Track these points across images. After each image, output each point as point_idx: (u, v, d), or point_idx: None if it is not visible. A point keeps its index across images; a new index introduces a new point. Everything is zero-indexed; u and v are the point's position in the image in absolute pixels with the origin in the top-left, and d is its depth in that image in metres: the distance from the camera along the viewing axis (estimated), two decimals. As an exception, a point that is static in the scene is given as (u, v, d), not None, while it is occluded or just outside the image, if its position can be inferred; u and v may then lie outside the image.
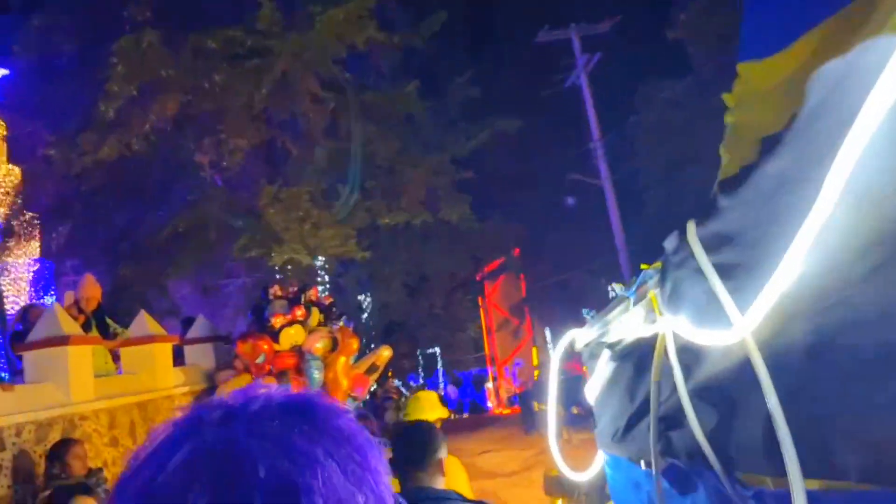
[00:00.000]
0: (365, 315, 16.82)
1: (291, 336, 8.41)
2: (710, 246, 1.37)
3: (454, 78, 13.34)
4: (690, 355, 1.50)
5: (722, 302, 1.26)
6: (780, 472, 1.12)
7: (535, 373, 29.88)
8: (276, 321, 8.29)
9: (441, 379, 36.36)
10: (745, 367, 1.22)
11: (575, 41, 18.70)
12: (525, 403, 22.25)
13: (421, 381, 35.96)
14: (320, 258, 11.50)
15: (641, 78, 18.57)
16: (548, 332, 30.43)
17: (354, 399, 9.01)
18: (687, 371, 1.53)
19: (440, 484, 2.49)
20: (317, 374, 8.59)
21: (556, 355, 3.29)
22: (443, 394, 34.84)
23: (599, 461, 2.94)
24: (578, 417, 19.89)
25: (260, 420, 0.59)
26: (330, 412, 0.62)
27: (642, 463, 2.12)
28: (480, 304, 33.90)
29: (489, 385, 32.78)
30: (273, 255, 9.76)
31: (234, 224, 10.14)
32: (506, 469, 13.26)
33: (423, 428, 2.76)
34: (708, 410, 1.44)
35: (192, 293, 11.91)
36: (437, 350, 35.45)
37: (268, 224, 9.60)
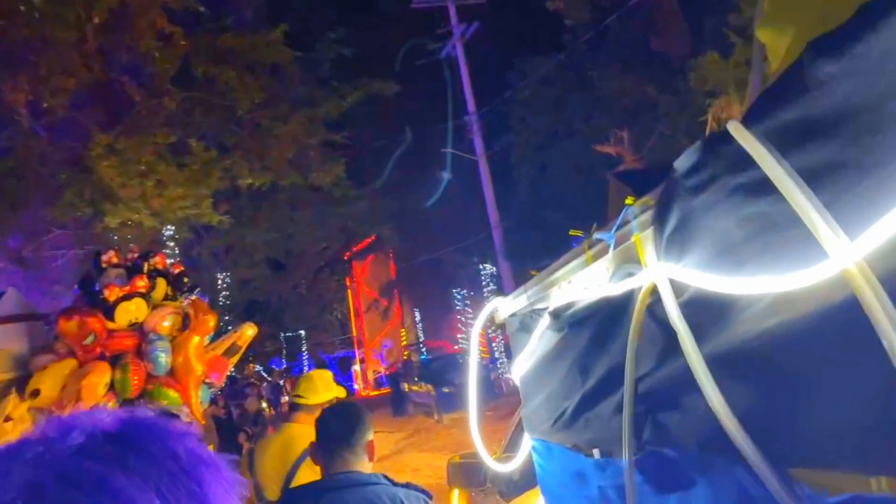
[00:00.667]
0: (224, 296, 15.19)
1: (130, 311, 6.83)
2: (789, 141, 0.92)
3: (326, 34, 12.02)
4: (703, 312, 1.18)
5: (812, 221, 0.87)
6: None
7: (405, 354, 29.33)
8: (111, 293, 6.71)
9: (305, 362, 34.91)
10: (827, 321, 0.88)
11: (452, 9, 17.88)
12: (395, 385, 21.58)
13: (284, 364, 34.31)
14: (170, 228, 9.88)
15: (517, 52, 18.15)
16: (417, 313, 29.86)
17: (210, 385, 7.64)
18: (700, 333, 1.18)
19: (368, 468, 2.29)
20: (163, 358, 7.07)
21: (476, 328, 2.87)
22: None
23: (526, 449, 2.61)
24: (449, 397, 19.43)
25: (78, 459, 0.51)
26: (166, 438, 0.55)
27: (595, 452, 1.79)
28: (348, 284, 32.77)
29: (356, 367, 31.76)
30: (106, 215, 8.09)
31: (57, 178, 8.33)
32: (377, 453, 12.27)
33: (352, 407, 2.50)
34: (738, 385, 1.10)
35: (7, 267, 9.83)
36: (302, 332, 33.96)
37: (100, 179, 7.92)
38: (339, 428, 2.29)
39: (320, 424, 2.35)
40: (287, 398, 31.21)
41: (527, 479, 3.88)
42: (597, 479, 1.80)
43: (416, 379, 20.36)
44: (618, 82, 13.64)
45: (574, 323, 1.85)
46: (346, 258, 31.16)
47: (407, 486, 2.26)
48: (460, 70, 18.34)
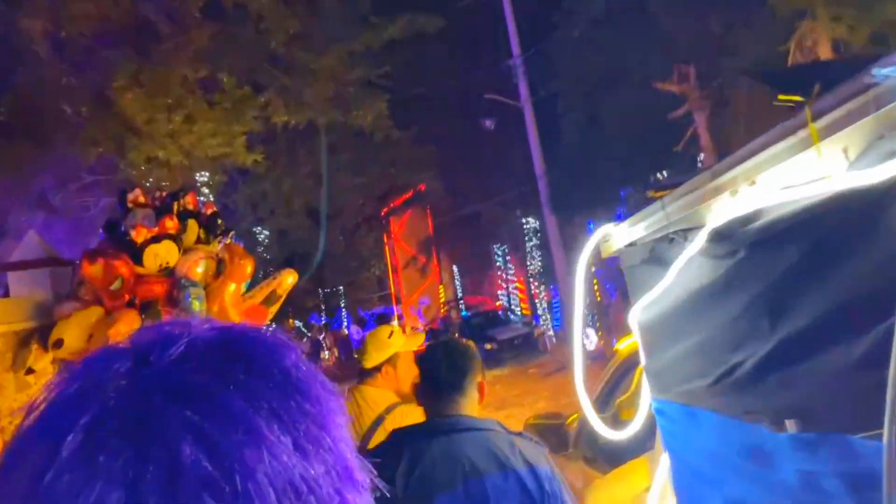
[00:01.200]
0: (262, 248, 14.58)
1: (160, 255, 6.18)
2: None
3: (363, -34, 11.09)
4: None
5: None
6: None
7: (442, 310, 28.80)
8: (138, 234, 6.07)
9: (344, 318, 34.69)
10: None
11: (495, -56, 16.64)
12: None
13: (324, 320, 34.13)
14: (203, 174, 9.19)
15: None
16: (456, 270, 29.17)
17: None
18: None
19: (478, 412, 1.98)
20: (197, 305, 6.47)
21: (581, 263, 2.40)
22: (346, 333, 33.22)
23: (643, 413, 2.26)
24: (491, 353, 18.80)
25: (182, 372, 0.44)
26: (273, 351, 0.49)
27: (790, 424, 1.33)
28: (385, 240, 32.16)
29: (394, 323, 31.30)
30: (130, 151, 7.40)
31: (80, 114, 7.65)
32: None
33: (459, 345, 2.11)
34: None
35: (37, 218, 9.28)
36: (341, 288, 33.65)
37: (124, 112, 7.23)
38: (449, 369, 1.97)
39: (425, 364, 2.03)
40: (326, 353, 31.04)
41: (627, 448, 3.21)
42: (794, 461, 1.37)
43: (456, 335, 19.71)
44: (680, 18, 12.41)
45: (760, 242, 1.41)
46: (383, 213, 30.49)
47: (521, 435, 1.96)
48: (504, 10, 17.16)
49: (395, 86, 10.72)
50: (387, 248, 32.02)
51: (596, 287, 17.47)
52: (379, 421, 2.81)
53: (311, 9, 8.88)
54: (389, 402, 2.91)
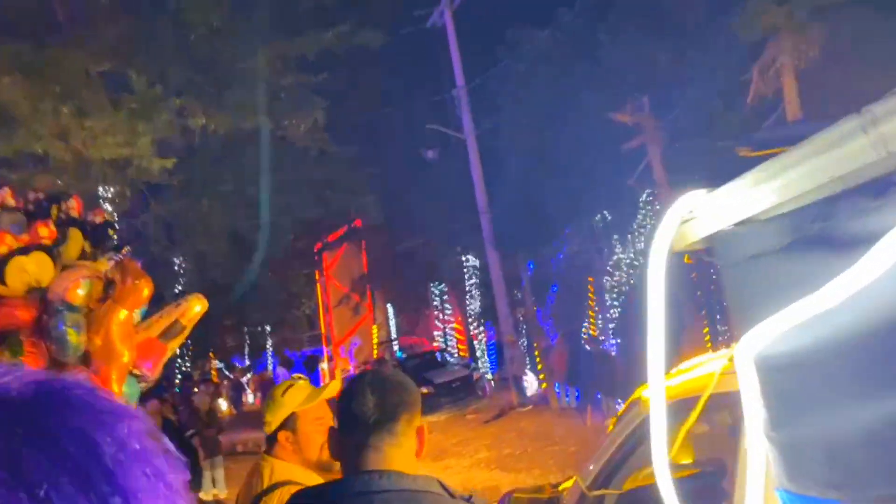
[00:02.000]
0: (175, 276, 13.00)
1: (29, 271, 4.82)
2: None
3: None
4: None
5: None
6: None
7: (375, 351, 27.35)
8: (1, 243, 4.72)
9: (270, 359, 32.72)
10: None
11: (441, -28, 16.08)
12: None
13: (247, 362, 32.04)
14: (108, 189, 7.79)
15: (510, 22, 16.37)
16: (390, 309, 27.89)
17: (140, 378, 5.69)
18: None
19: (415, 468, 1.43)
20: (73, 336, 5.13)
21: (657, 258, 1.42)
22: (271, 376, 31.22)
23: None
24: (428, 398, 17.56)
25: None
26: (72, 407, 0.41)
27: None
28: (317, 277, 30.65)
29: (324, 366, 29.65)
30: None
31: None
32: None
33: (394, 376, 1.54)
34: None
35: None
36: (268, 328, 31.78)
37: (-1, 95, 5.88)
38: (377, 406, 1.40)
39: (344, 401, 1.46)
40: (250, 397, 28.91)
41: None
42: None
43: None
44: (629, 49, 11.97)
45: None
46: (316, 249, 29.07)
47: (469, 499, 1.41)
48: (448, 40, 16.52)
49: (334, 102, 9.66)
50: (318, 285, 30.50)
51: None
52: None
53: (239, 2, 7.79)
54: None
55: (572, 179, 14.35)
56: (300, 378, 2.76)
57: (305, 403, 2.36)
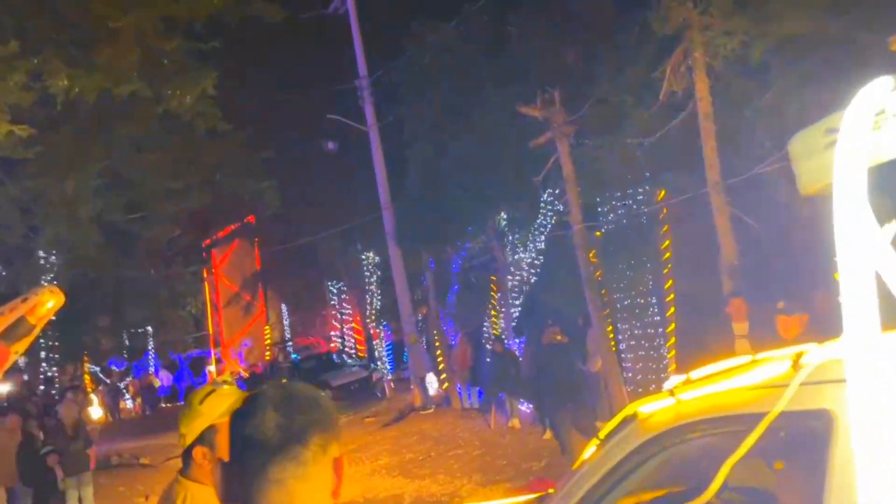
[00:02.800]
0: (44, 273, 11.42)
1: None
2: None
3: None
4: None
5: None
6: None
7: (267, 354, 25.93)
8: None
9: (151, 363, 30.36)
10: None
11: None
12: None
13: (126, 365, 29.57)
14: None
15: (416, 14, 15.77)
16: (284, 308, 26.58)
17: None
18: None
19: None
20: None
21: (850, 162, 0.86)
22: (153, 380, 28.95)
23: None
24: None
25: None
26: None
27: None
28: (206, 276, 28.76)
29: (211, 368, 27.83)
30: None
31: None
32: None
33: (305, 389, 1.19)
34: None
35: None
36: (149, 329, 29.47)
37: None
38: (280, 429, 1.09)
39: (238, 422, 1.13)
40: (129, 403, 26.62)
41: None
42: None
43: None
44: (541, 40, 11.68)
45: None
46: (205, 245, 27.23)
47: None
48: (351, 27, 15.70)
49: (226, 79, 8.58)
50: (207, 283, 28.63)
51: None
52: None
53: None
54: None
55: (477, 176, 13.93)
56: (224, 382, 2.55)
57: (228, 414, 1.74)
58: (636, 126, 9.56)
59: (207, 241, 27.45)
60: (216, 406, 1.98)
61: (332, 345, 21.36)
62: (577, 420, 9.95)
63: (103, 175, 8.46)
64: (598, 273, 11.28)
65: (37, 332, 4.32)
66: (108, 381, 26.79)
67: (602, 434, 2.05)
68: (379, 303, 18.47)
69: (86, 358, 26.14)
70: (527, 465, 9.85)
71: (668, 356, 10.65)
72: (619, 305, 11.64)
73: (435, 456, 11.48)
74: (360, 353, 20.28)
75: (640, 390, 11.07)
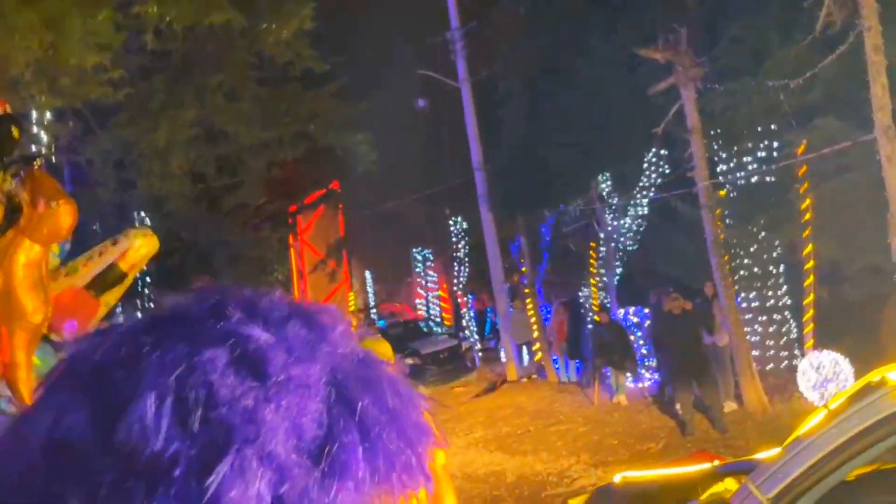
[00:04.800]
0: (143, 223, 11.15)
1: None
2: None
3: None
4: None
5: None
6: None
7: (353, 320, 25.79)
8: None
9: (241, 327, 30.95)
10: None
11: None
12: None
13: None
14: (34, 99, 6.00)
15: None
16: (368, 275, 26.28)
17: (59, 347, 4.01)
18: None
19: None
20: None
21: None
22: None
23: None
24: (413, 370, 16.09)
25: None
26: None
27: None
28: (291, 242, 28.82)
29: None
30: None
31: None
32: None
33: None
34: None
35: None
36: (238, 293, 29.92)
37: None
38: None
39: None
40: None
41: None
42: None
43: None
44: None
45: None
46: (291, 211, 27.21)
47: None
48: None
49: (315, 28, 7.80)
50: (292, 250, 28.66)
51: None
52: None
53: None
54: None
55: (579, 134, 12.83)
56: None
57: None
58: (780, 67, 8.24)
59: (293, 208, 27.42)
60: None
61: (419, 312, 20.86)
62: (701, 399, 8.91)
63: (195, 125, 7.98)
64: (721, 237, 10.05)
65: (129, 281, 3.53)
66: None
67: (832, 402, 1.97)
68: (467, 270, 17.72)
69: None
70: (642, 446, 8.89)
71: (805, 331, 9.37)
72: (743, 273, 10.40)
73: (534, 431, 10.67)
74: (446, 322, 19.67)
75: (762, 368, 9.87)
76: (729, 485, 2.50)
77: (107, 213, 9.63)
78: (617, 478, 3.30)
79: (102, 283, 4.13)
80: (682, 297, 8.65)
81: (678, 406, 8.82)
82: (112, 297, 4.13)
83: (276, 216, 26.98)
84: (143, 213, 10.17)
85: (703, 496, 2.54)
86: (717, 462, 2.90)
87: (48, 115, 6.96)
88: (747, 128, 9.16)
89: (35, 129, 7.04)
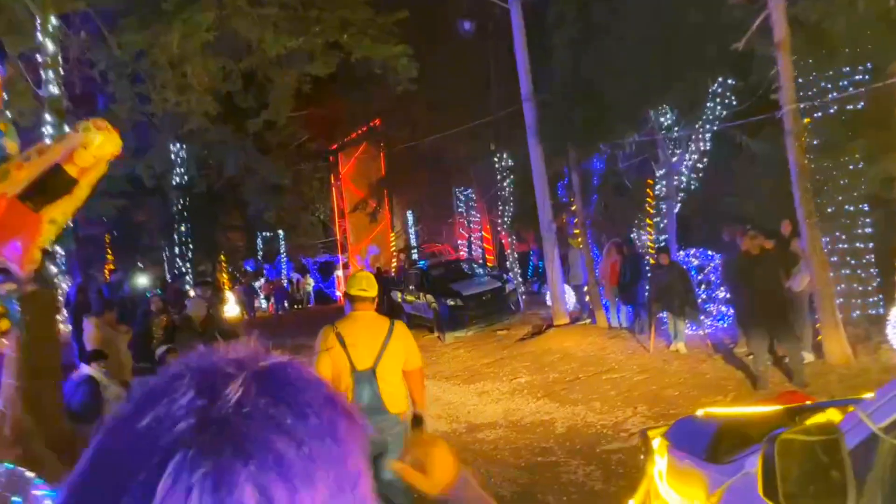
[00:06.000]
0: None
1: None
2: None
3: None
4: None
5: None
6: None
7: (394, 260, 25.09)
8: None
9: (284, 265, 30.66)
10: None
11: None
12: (384, 294, 17.41)
13: (259, 266, 30.01)
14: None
15: None
16: (410, 216, 25.42)
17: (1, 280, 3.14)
18: None
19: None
20: None
21: None
22: (285, 282, 29.15)
23: None
24: (455, 312, 15.28)
25: (244, 421, 0.45)
26: (310, 390, 0.50)
27: None
28: (332, 182, 28.09)
29: (339, 273, 27.53)
30: None
31: None
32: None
33: None
34: None
35: None
36: (280, 233, 29.57)
37: None
38: None
39: None
40: (263, 303, 26.81)
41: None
42: None
43: (412, 288, 16.08)
44: None
45: None
46: (332, 149, 26.38)
47: None
48: None
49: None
50: (333, 189, 27.98)
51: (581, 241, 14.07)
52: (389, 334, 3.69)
53: None
54: None
55: (637, 60, 11.40)
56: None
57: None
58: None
59: (334, 146, 26.54)
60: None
61: (461, 253, 19.95)
62: (776, 347, 7.83)
63: (213, 30, 6.99)
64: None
65: (83, 192, 2.47)
66: (242, 280, 27.15)
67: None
68: (511, 210, 16.62)
69: (223, 257, 26.51)
70: (707, 398, 7.88)
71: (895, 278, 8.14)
72: (827, 211, 9.11)
73: (584, 379, 9.76)
74: (489, 263, 18.73)
75: (844, 317, 8.67)
76: (832, 415, 2.33)
77: (128, 137, 8.81)
78: (700, 412, 3.15)
79: (44, 192, 3.18)
80: (765, 237, 7.49)
81: (751, 356, 7.75)
82: (58, 212, 3.17)
83: (316, 156, 26.18)
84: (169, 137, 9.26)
85: (804, 424, 2.24)
86: (808, 402, 2.77)
87: (53, 20, 6.10)
88: (846, 43, 7.73)
89: (39, 38, 6.20)
